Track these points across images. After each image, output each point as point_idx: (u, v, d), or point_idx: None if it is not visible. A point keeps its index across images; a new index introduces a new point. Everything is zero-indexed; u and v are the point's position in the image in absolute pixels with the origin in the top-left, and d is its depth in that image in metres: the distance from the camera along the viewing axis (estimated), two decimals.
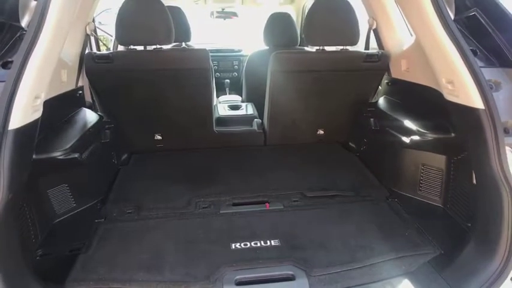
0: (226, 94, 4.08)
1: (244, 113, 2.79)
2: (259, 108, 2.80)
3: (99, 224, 1.72)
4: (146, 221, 1.75)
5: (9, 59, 1.29)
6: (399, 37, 2.18)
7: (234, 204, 1.88)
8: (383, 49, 2.28)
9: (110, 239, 1.62)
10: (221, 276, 1.38)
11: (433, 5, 1.39)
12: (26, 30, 1.30)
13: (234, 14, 4.43)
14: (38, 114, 1.31)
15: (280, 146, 2.57)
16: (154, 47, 2.10)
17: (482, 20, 1.44)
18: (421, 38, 1.60)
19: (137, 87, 2.21)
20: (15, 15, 1.36)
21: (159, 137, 2.47)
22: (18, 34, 1.37)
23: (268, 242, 1.58)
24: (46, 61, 1.25)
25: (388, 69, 2.26)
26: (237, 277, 1.38)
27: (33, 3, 1.36)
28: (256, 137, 2.57)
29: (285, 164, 2.31)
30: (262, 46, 3.31)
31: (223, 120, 2.64)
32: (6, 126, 1.13)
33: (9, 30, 1.36)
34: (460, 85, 1.37)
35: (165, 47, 2.13)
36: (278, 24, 3.17)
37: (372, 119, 2.25)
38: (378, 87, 2.39)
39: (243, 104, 2.99)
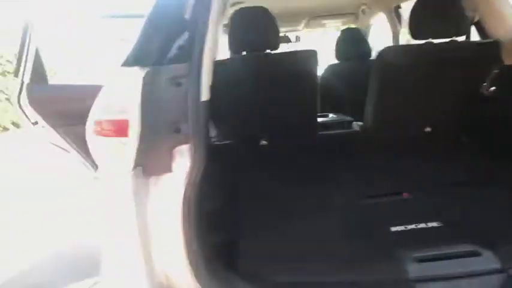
0: None
1: (339, 118, 2.79)
2: None
3: (239, 219, 1.71)
4: (285, 215, 1.72)
5: None
6: (510, 24, 2.15)
7: (370, 197, 1.82)
8: (488, 38, 2.25)
9: (259, 233, 1.60)
10: (399, 254, 1.31)
11: None
12: None
13: (289, 40, 4.59)
14: (208, 96, 1.37)
15: (386, 146, 2.51)
16: (264, 52, 2.18)
17: None
18: None
19: (245, 92, 2.27)
20: None
21: (264, 143, 2.49)
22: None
23: (428, 224, 1.50)
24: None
25: (499, 58, 2.21)
26: (416, 255, 1.30)
27: None
28: (361, 138, 2.54)
29: (399, 160, 2.24)
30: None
31: (320, 125, 2.64)
32: (199, 98, 1.19)
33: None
34: None
35: (273, 52, 2.21)
36: (350, 39, 3.27)
37: (491, 108, 2.17)
38: (489, 77, 2.33)
39: (328, 114, 3.00)
